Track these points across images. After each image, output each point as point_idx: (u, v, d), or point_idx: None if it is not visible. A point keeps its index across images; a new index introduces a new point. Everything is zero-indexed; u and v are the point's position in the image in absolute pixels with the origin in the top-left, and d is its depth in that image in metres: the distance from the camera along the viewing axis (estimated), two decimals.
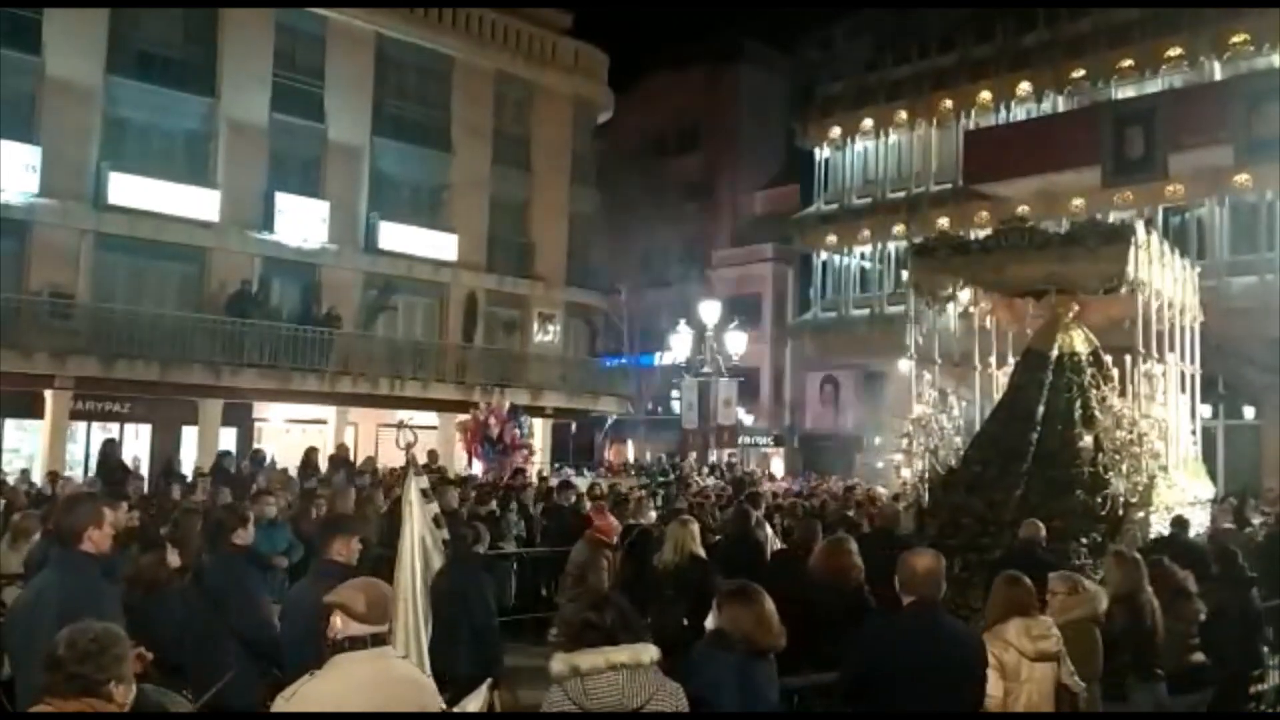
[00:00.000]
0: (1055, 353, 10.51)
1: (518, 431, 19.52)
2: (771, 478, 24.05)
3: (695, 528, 7.85)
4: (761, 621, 3.97)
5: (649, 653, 3.50)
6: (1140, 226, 10.34)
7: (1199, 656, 6.32)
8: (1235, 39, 26.01)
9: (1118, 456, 9.64)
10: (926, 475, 10.70)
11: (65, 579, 4.44)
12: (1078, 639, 5.44)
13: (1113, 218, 27.76)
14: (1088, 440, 9.81)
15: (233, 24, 24.04)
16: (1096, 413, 10.06)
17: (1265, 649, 7.90)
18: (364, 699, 3.33)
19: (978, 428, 11.60)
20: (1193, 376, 12.33)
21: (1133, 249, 9.77)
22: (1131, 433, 9.67)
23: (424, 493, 6.25)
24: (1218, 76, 26.52)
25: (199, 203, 23.15)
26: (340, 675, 3.38)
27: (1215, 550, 7.92)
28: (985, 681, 4.33)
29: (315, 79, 25.48)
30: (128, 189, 22.15)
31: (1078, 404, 10.16)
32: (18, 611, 4.61)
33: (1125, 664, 5.69)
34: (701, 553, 7.72)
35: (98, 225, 21.95)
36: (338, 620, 3.46)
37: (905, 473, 10.92)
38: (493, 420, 19.47)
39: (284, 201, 24.43)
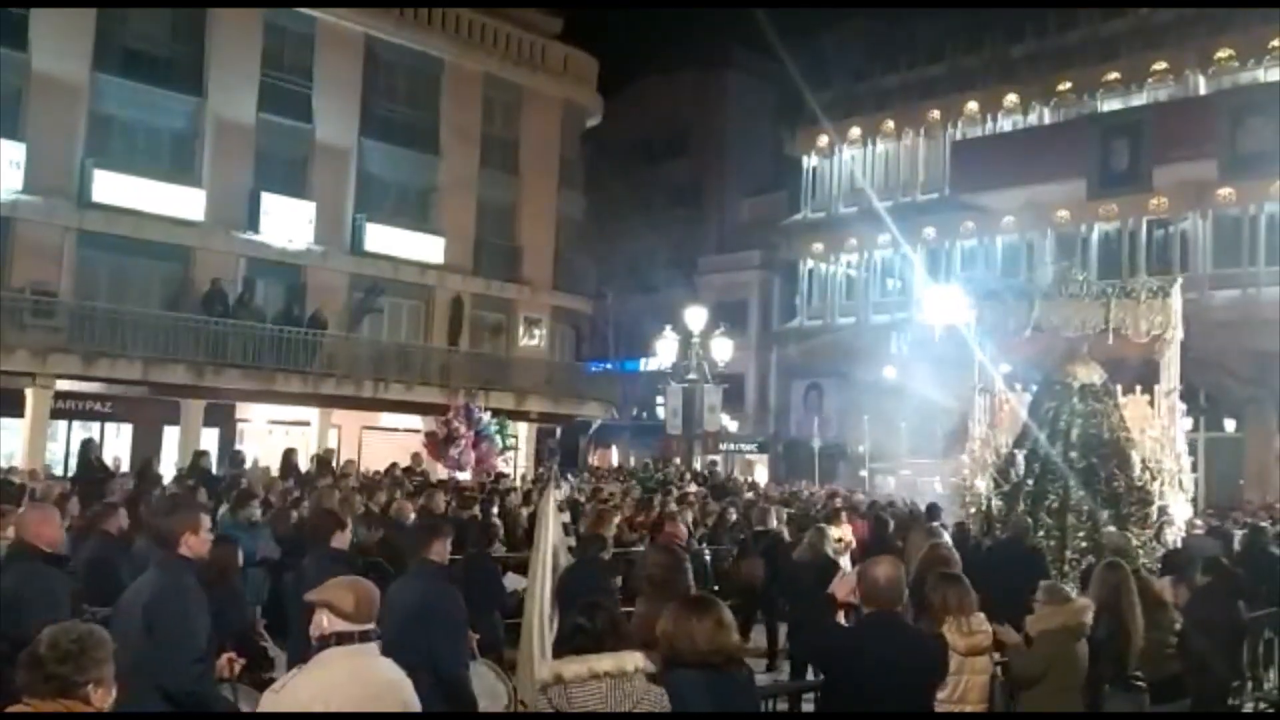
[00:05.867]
0: (1077, 383, 11.76)
1: (460, 425, 19.41)
2: (754, 485, 24.03)
3: (832, 532, 9.38)
4: (718, 630, 3.80)
5: (634, 661, 3.50)
6: (1178, 287, 11.90)
7: (1176, 666, 6.36)
8: (1220, 54, 26.25)
9: (1154, 475, 11.21)
10: (992, 488, 11.96)
11: (159, 580, 4.67)
12: (1051, 648, 5.52)
13: (1097, 230, 28.11)
14: (1136, 459, 11.25)
15: (221, 23, 23.93)
16: (1120, 434, 11.45)
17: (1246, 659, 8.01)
18: (346, 694, 3.37)
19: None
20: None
21: (1175, 304, 11.42)
22: (1167, 453, 11.40)
23: (559, 505, 6.94)
24: (1203, 91, 26.76)
25: (184, 202, 23.02)
26: (326, 670, 3.42)
27: (1205, 560, 7.98)
28: (943, 674, 4.59)
29: (304, 79, 25.39)
30: (112, 187, 22.01)
31: (1104, 426, 11.51)
32: (119, 610, 4.84)
33: (1106, 673, 5.72)
34: (831, 554, 9.17)
35: (81, 223, 21.81)
36: (324, 619, 3.48)
37: (979, 484, 12.01)
38: (439, 423, 19.62)
39: (270, 202, 24.31)
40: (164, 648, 4.46)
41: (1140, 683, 5.90)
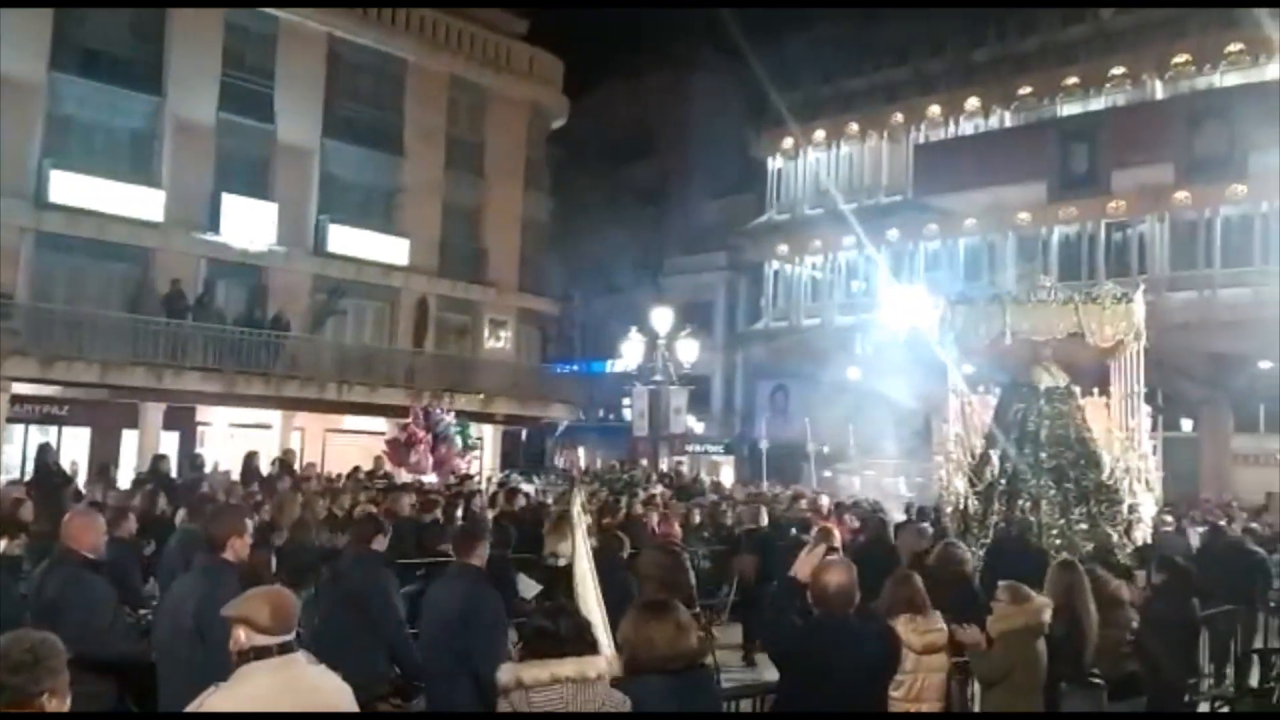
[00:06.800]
0: (1043, 385, 12.11)
1: (418, 429, 19.39)
2: (717, 486, 24.08)
3: (836, 533, 9.37)
4: (678, 634, 3.79)
5: (596, 666, 3.49)
6: (1140, 293, 12.23)
7: (1133, 664, 6.45)
8: (1177, 59, 26.62)
9: (1126, 474, 11.62)
10: (968, 488, 12.29)
11: (205, 584, 4.76)
12: (1013, 649, 5.57)
13: (1057, 232, 28.43)
14: (1107, 460, 11.61)
15: (181, 22, 23.67)
16: (1086, 435, 11.79)
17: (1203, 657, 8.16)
18: (268, 707, 3.28)
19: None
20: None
21: (1138, 310, 11.78)
22: (1137, 453, 11.84)
23: (581, 505, 7.47)
24: (1160, 96, 27.14)
25: (143, 202, 22.75)
26: (247, 686, 3.32)
27: (1159, 559, 8.11)
28: (894, 667, 4.74)
29: (265, 79, 25.16)
30: (70, 187, 21.72)
31: (1070, 428, 11.86)
32: (163, 614, 4.99)
33: (1063, 671, 5.78)
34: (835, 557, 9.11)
35: (38, 224, 21.49)
36: (241, 634, 3.38)
37: (958, 485, 12.28)
38: (398, 427, 19.71)
39: (231, 202, 24.08)
40: (219, 650, 4.49)
41: (1097, 680, 5.97)
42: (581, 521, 6.87)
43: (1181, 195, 25.71)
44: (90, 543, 5.47)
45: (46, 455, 16.90)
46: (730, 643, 11.12)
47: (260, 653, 3.37)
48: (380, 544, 6.51)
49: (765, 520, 12.72)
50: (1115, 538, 10.83)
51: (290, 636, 3.45)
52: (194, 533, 7.81)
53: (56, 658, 3.06)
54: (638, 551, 9.52)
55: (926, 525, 10.82)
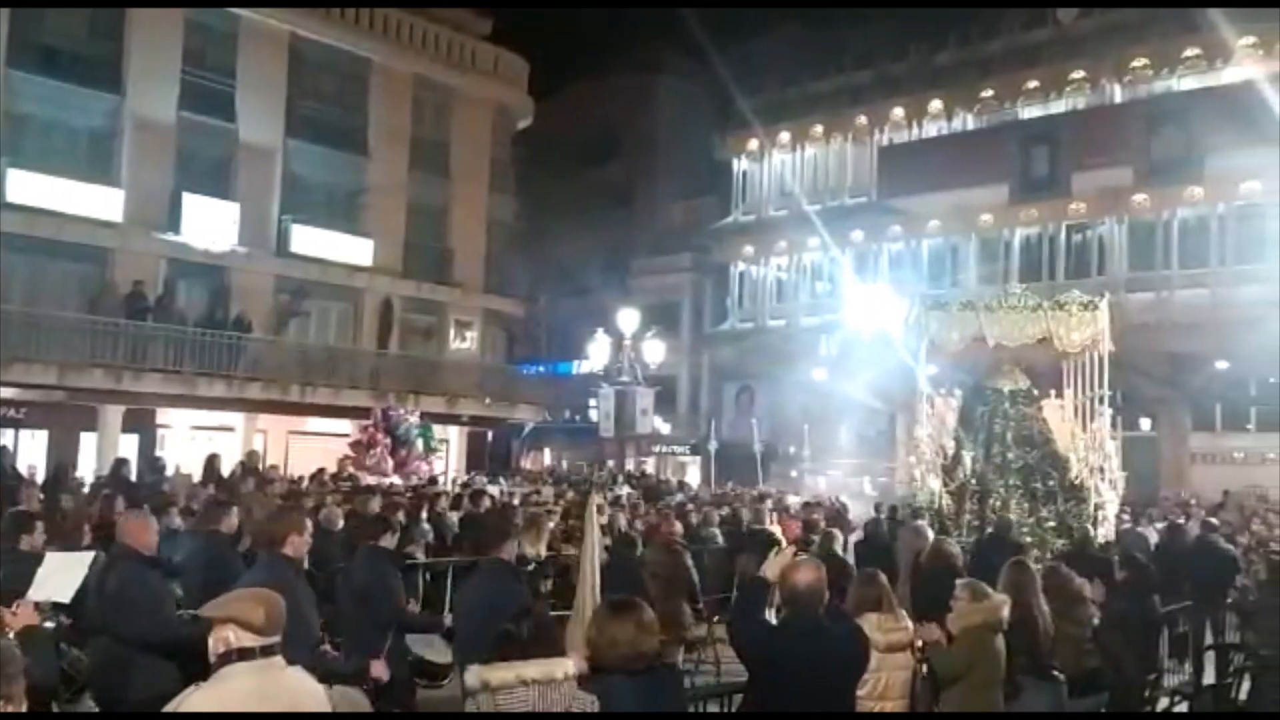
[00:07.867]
0: (1007, 388, 12.57)
1: (381, 433, 19.31)
2: (683, 485, 24.14)
3: (840, 535, 9.72)
4: (639, 633, 3.78)
5: (563, 668, 3.49)
6: (1105, 302, 12.64)
7: (1093, 661, 6.52)
8: (1136, 63, 27.01)
9: (1090, 474, 12.10)
10: (943, 488, 12.72)
11: (266, 579, 4.91)
12: (974, 645, 5.62)
13: (1019, 234, 28.77)
14: (1073, 460, 12.09)
15: (141, 20, 23.36)
16: (1049, 435, 12.27)
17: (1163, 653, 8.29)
18: (247, 709, 3.25)
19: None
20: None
21: (1103, 317, 12.23)
22: (1101, 454, 12.30)
23: (599, 507, 7.91)
24: (1118, 99, 27.53)
25: (102, 202, 22.44)
26: (226, 687, 3.29)
27: (1121, 556, 8.22)
28: (863, 666, 4.80)
29: (226, 78, 24.87)
30: (27, 186, 21.38)
31: (1034, 429, 12.34)
32: None
33: (1019, 663, 5.84)
34: (839, 553, 9.45)
35: None
36: (230, 634, 3.35)
37: (934, 484, 12.63)
38: (360, 430, 19.66)
39: (192, 202, 23.78)
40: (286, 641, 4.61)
41: (1056, 673, 6.03)
42: (596, 522, 7.03)
43: (1140, 197, 26.11)
44: (146, 541, 5.85)
45: (2, 458, 16.60)
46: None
47: (244, 654, 3.34)
48: (389, 541, 6.89)
49: (769, 520, 13.10)
50: (1090, 534, 11.17)
51: (277, 639, 3.43)
52: (215, 534, 7.77)
53: (12, 665, 3.05)
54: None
55: (924, 524, 11.05)
